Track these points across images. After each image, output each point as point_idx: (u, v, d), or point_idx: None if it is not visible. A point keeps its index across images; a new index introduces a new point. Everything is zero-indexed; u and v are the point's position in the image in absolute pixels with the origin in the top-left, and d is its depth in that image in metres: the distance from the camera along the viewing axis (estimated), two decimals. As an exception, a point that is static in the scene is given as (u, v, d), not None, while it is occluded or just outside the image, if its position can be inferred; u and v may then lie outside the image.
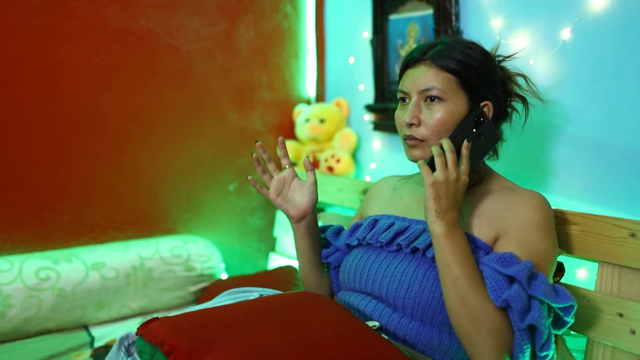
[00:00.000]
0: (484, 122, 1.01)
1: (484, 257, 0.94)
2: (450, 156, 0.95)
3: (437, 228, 0.93)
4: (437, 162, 0.94)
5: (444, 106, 1.01)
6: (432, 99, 1.02)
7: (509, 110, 1.14)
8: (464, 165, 0.96)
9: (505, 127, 1.17)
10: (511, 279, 0.89)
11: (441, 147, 0.96)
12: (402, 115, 1.06)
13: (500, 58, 1.13)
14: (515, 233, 0.97)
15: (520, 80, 1.14)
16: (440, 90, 1.01)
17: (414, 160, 1.04)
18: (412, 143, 1.04)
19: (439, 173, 0.93)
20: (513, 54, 1.15)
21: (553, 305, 0.89)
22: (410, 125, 1.03)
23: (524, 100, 1.14)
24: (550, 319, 0.91)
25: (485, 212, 1.03)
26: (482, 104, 1.03)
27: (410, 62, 1.06)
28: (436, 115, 1.01)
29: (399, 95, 1.08)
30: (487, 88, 1.04)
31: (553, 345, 0.90)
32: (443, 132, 1.01)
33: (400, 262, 1.04)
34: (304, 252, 1.23)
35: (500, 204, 1.02)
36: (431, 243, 0.98)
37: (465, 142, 0.98)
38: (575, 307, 0.92)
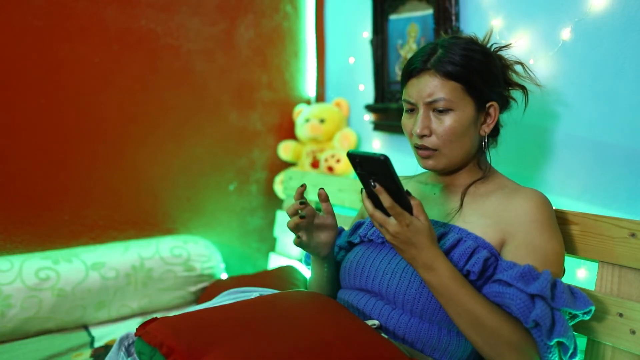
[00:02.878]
0: (363, 164, 0.89)
1: (505, 274, 0.92)
2: (379, 217, 0.91)
3: (421, 273, 0.94)
4: (377, 225, 0.93)
5: (453, 115, 1.01)
6: (440, 110, 1.01)
7: (509, 99, 1.13)
8: (394, 210, 0.89)
9: (506, 116, 1.16)
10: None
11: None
12: (411, 124, 1.05)
13: (497, 47, 1.12)
14: (522, 236, 0.97)
15: (518, 67, 1.14)
16: (448, 101, 1.00)
17: (429, 169, 1.07)
18: (425, 154, 1.04)
19: (386, 235, 0.93)
20: (509, 44, 1.14)
21: (573, 312, 0.92)
22: (422, 136, 1.03)
23: (523, 88, 1.13)
24: (568, 317, 0.93)
25: (488, 211, 1.03)
26: (487, 105, 1.04)
27: (413, 71, 1.03)
28: (446, 124, 1.01)
29: (406, 105, 1.07)
30: (490, 88, 1.04)
31: (579, 354, 0.93)
32: (454, 139, 1.01)
33: (402, 258, 1.04)
34: (323, 276, 1.20)
35: (503, 202, 1.02)
36: None
37: (383, 195, 0.89)
38: (594, 310, 0.95)
